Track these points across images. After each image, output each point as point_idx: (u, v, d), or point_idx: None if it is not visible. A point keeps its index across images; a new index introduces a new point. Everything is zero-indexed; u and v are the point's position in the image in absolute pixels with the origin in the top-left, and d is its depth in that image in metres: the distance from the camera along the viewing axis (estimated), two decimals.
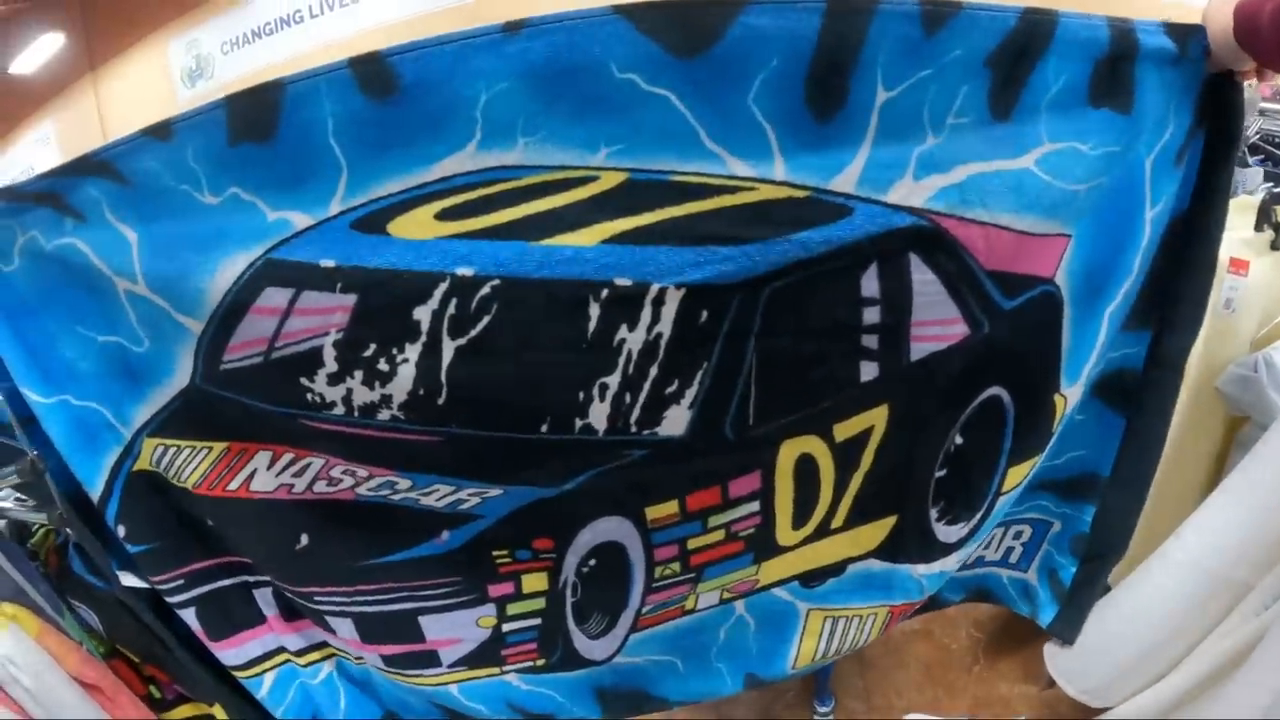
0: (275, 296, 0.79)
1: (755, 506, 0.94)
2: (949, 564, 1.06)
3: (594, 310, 0.78)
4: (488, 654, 1.01)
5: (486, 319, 0.78)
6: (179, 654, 1.04)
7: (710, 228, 0.77)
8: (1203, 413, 1.62)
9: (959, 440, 0.99)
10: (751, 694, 2.17)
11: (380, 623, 0.99)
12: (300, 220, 0.78)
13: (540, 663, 1.03)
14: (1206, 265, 0.96)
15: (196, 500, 0.93)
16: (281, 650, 1.07)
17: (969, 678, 2.17)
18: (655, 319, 0.79)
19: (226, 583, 1.01)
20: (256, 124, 0.76)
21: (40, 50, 5.15)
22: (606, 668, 1.04)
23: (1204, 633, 1.43)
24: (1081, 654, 1.65)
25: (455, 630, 0.99)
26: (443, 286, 0.78)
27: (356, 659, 1.07)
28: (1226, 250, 1.57)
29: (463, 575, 0.96)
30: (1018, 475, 1.02)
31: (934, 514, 1.03)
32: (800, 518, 0.97)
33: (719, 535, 0.96)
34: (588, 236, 0.77)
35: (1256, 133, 1.95)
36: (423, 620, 0.98)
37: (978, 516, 1.03)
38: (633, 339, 0.80)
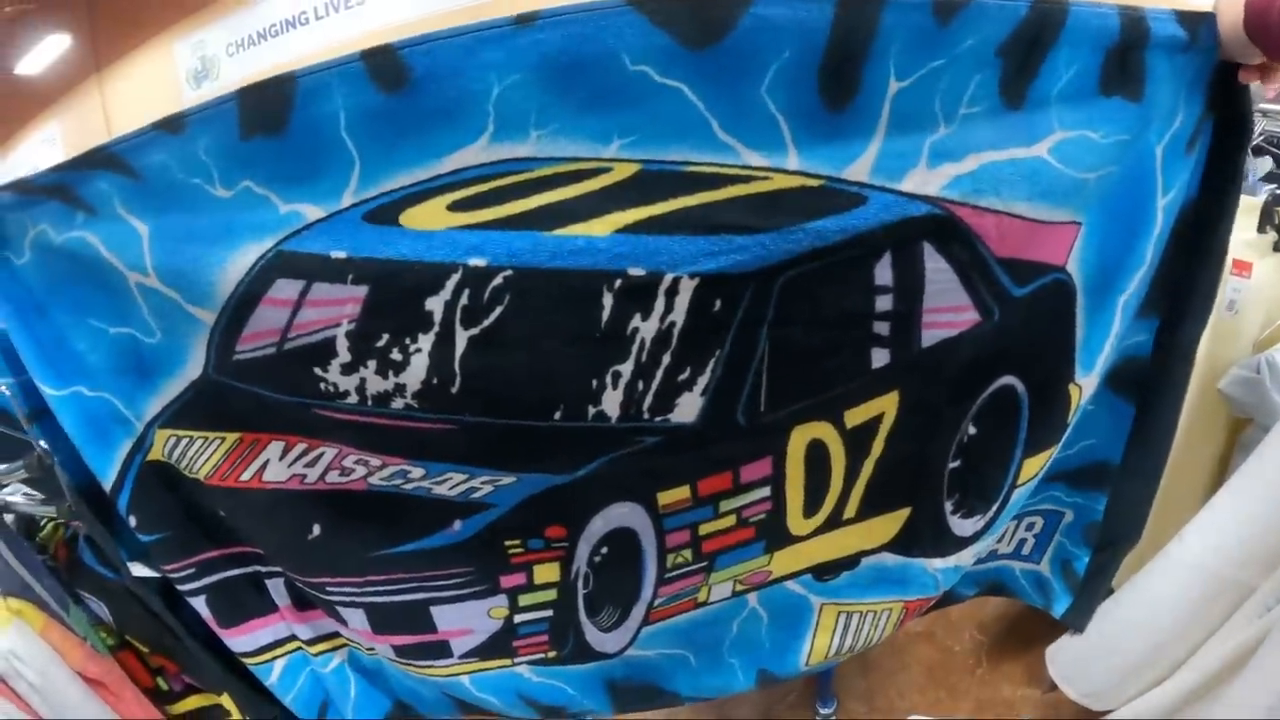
0: (287, 288, 0.79)
1: (766, 492, 0.94)
2: (964, 558, 1.06)
3: (607, 300, 0.79)
4: (499, 645, 1.01)
5: (499, 309, 0.78)
6: (188, 643, 1.04)
7: (724, 217, 0.77)
8: (1205, 414, 1.62)
9: (972, 430, 0.98)
10: (753, 694, 2.17)
11: (392, 613, 0.99)
12: (312, 212, 0.78)
13: (551, 655, 1.02)
14: (1218, 253, 0.96)
15: (208, 491, 0.93)
16: (293, 639, 1.08)
17: (972, 680, 2.17)
18: (669, 308, 0.79)
19: (238, 572, 1.01)
20: (268, 117, 0.76)
21: (46, 51, 5.17)
22: (618, 661, 1.04)
23: (1206, 634, 1.43)
24: (1083, 657, 1.65)
25: (467, 621, 0.99)
26: (455, 277, 0.78)
27: (368, 649, 1.07)
28: (1229, 252, 1.57)
29: (475, 565, 0.96)
30: (1033, 467, 1.01)
31: (949, 506, 1.02)
32: (811, 505, 0.96)
33: (730, 521, 0.95)
34: (600, 226, 0.77)
35: (1260, 134, 1.95)
36: (434, 611, 0.98)
37: (993, 509, 1.03)
38: (646, 328, 0.80)
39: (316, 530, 0.94)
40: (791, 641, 1.07)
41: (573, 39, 0.73)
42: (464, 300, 0.78)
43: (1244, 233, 1.58)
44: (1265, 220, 1.58)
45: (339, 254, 0.79)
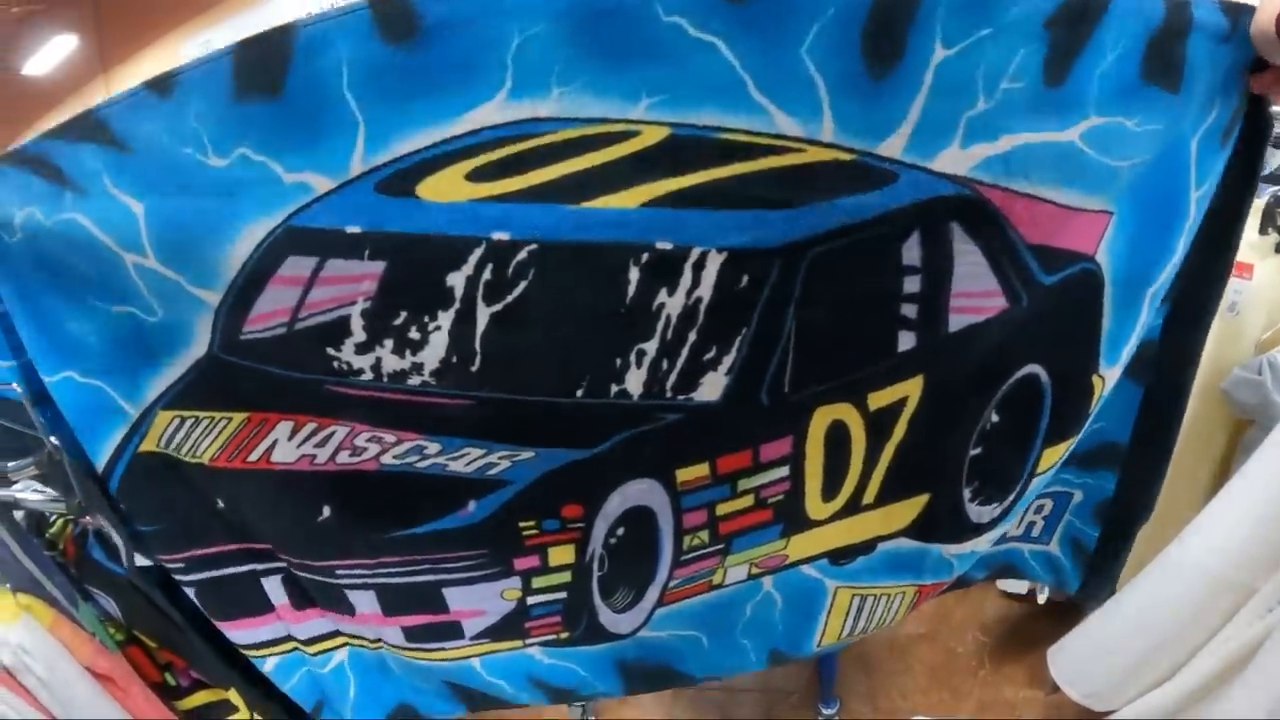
0: (298, 265, 0.76)
1: (785, 471, 0.92)
2: (980, 544, 1.04)
3: (633, 274, 0.76)
4: (511, 626, 1.00)
5: (523, 284, 0.76)
6: (192, 638, 1.03)
7: (754, 190, 0.74)
8: (1207, 416, 1.62)
9: (995, 419, 0.97)
10: (755, 695, 2.18)
11: (403, 594, 0.97)
12: (320, 183, 0.74)
13: (564, 635, 1.01)
14: (1235, 240, 0.95)
15: (212, 476, 0.91)
16: (290, 639, 1.06)
17: (974, 681, 2.18)
18: (695, 283, 0.77)
19: (232, 571, 0.99)
20: (263, 75, 0.70)
21: (53, 52, 5.19)
22: (630, 641, 1.02)
23: (1208, 635, 1.44)
24: (1085, 658, 1.66)
25: (479, 602, 0.98)
26: (478, 252, 0.75)
27: (373, 642, 1.06)
28: None
29: (488, 548, 0.94)
30: (1052, 457, 1.00)
31: (967, 494, 1.00)
32: (830, 488, 0.95)
33: (748, 501, 0.94)
34: (629, 198, 0.74)
35: None
36: (446, 592, 0.97)
37: (1011, 497, 1.02)
38: (672, 304, 0.77)
39: (326, 512, 0.91)
40: (805, 624, 1.06)
41: None
42: (486, 275, 0.75)
43: (1246, 234, 1.58)
44: (1267, 222, 1.58)
45: (354, 229, 0.75)
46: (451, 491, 0.89)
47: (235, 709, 1.16)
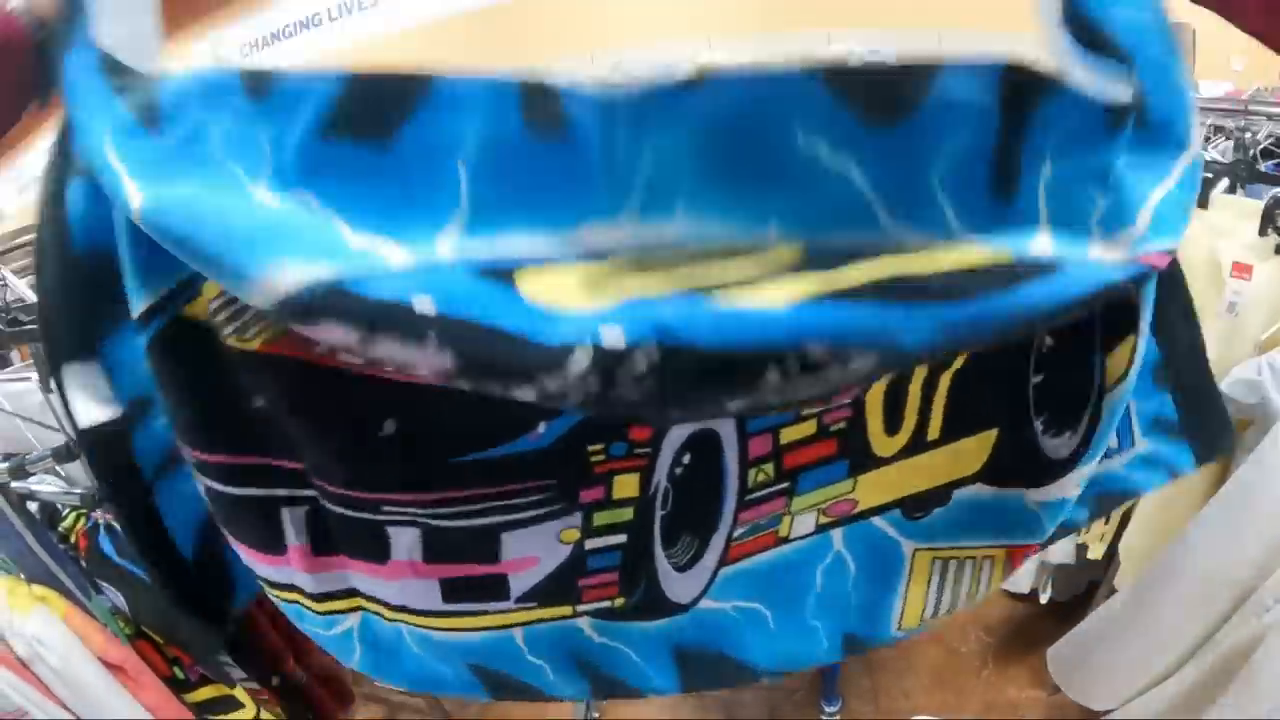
0: (335, 333, 0.53)
1: (846, 398, 0.84)
2: (1066, 488, 0.95)
3: (771, 378, 0.57)
4: (563, 584, 0.85)
5: (635, 404, 0.54)
6: (195, 635, 1.03)
7: (913, 284, 0.60)
8: None
9: (1050, 341, 0.93)
10: (759, 693, 2.19)
11: (454, 536, 0.82)
12: (394, 254, 0.58)
13: (618, 603, 0.88)
14: None
15: (258, 366, 0.71)
16: (294, 588, 0.95)
17: (977, 681, 2.19)
18: (842, 376, 0.66)
19: (249, 492, 0.79)
20: (374, 115, 0.58)
21: None
22: (688, 618, 0.91)
23: (1206, 634, 1.44)
24: (1083, 658, 1.67)
25: (534, 548, 0.83)
26: (577, 364, 0.51)
27: (394, 610, 0.94)
28: (1230, 254, 1.58)
29: (557, 478, 0.80)
30: (1117, 364, 0.94)
31: (1039, 425, 0.96)
32: (892, 418, 0.86)
33: (811, 428, 0.85)
34: (777, 296, 0.58)
35: (1268, 136, 1.96)
36: (504, 537, 0.82)
37: (1084, 422, 0.96)
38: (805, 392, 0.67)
39: (389, 428, 0.73)
40: (882, 596, 0.94)
41: (743, 103, 0.62)
42: (579, 399, 0.52)
43: (1245, 235, 1.59)
44: (1267, 223, 1.59)
45: (424, 303, 0.52)
46: (522, 411, 0.75)
47: (241, 705, 1.18)
